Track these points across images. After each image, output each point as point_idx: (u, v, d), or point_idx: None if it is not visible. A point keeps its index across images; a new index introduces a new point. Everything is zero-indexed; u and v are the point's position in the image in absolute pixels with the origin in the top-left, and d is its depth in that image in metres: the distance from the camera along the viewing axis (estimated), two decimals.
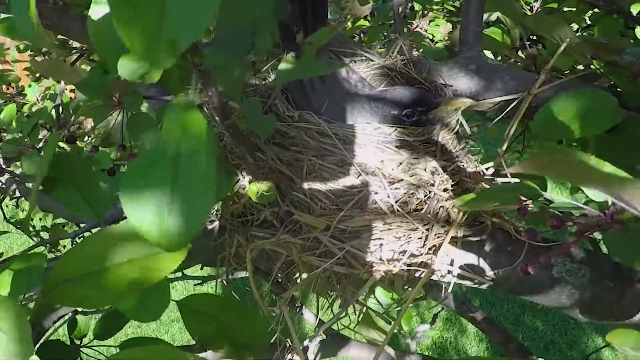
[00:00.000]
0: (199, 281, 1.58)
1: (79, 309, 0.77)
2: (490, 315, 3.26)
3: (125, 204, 0.44)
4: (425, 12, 1.77)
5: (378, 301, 0.99)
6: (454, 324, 3.37)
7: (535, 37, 1.35)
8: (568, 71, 1.01)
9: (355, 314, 0.95)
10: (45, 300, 0.51)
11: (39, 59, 2.33)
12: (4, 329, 0.39)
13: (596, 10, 1.51)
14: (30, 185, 1.71)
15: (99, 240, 0.51)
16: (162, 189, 0.45)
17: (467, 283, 0.81)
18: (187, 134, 0.48)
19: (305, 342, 0.81)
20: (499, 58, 1.50)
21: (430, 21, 1.69)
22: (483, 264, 0.80)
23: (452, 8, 1.78)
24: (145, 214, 0.44)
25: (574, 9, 1.58)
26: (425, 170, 0.79)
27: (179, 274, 1.46)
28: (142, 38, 0.39)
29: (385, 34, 1.03)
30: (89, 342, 0.73)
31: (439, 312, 1.09)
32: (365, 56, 0.96)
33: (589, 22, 1.60)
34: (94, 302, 0.49)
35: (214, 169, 0.47)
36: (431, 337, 3.23)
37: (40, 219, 2.48)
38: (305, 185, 0.79)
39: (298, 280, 0.90)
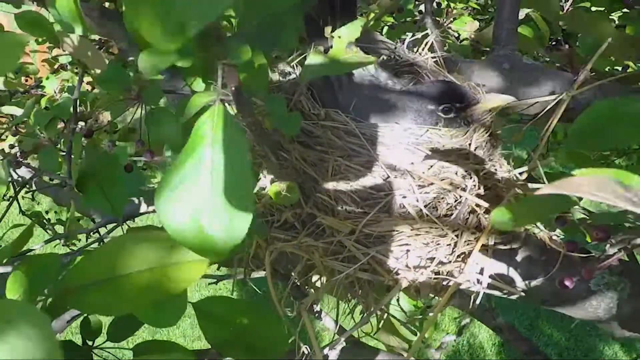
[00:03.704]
0: (214, 280, 1.56)
1: None
2: (505, 320, 3.19)
3: (160, 209, 0.41)
4: (450, 9, 1.73)
5: (402, 309, 0.96)
6: (469, 329, 3.32)
7: (560, 38, 1.30)
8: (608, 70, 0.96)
9: (377, 322, 0.91)
10: (58, 303, 0.48)
11: (56, 50, 2.33)
12: (31, 337, 0.36)
13: (626, 10, 1.46)
14: (46, 178, 1.69)
15: (118, 245, 0.48)
16: (199, 188, 0.42)
17: (497, 293, 0.78)
18: (217, 127, 0.45)
19: (326, 350, 0.77)
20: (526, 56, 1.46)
21: (454, 19, 1.65)
22: (514, 273, 0.76)
23: (476, 6, 1.74)
24: (181, 217, 0.41)
25: (602, 9, 1.53)
26: (456, 174, 0.75)
27: None
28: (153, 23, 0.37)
29: (409, 33, 1.00)
30: (101, 344, 0.70)
31: (467, 323, 1.05)
32: (394, 53, 0.93)
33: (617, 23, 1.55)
34: (109, 309, 0.46)
35: (249, 160, 0.44)
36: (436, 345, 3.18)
37: (55, 212, 2.46)
38: (330, 187, 0.75)
39: (318, 284, 0.87)
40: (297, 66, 0.91)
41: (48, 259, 0.52)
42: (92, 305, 0.46)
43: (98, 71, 0.86)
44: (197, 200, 0.41)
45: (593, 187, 0.36)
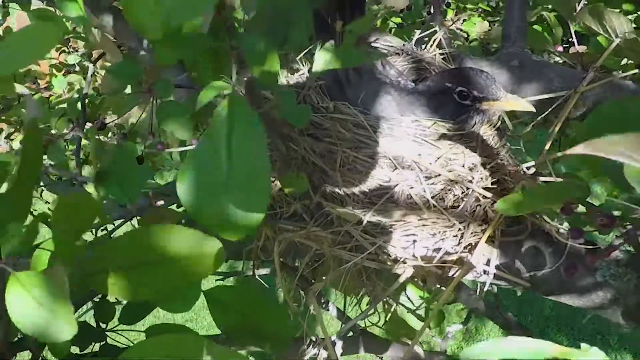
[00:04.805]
0: (221, 277, 1.57)
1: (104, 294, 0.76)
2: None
3: (181, 191, 0.43)
4: (460, 10, 1.74)
5: (409, 299, 0.96)
6: (474, 336, 3.31)
7: (572, 39, 1.31)
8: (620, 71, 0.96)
9: (384, 312, 0.92)
10: (82, 285, 0.50)
11: (62, 55, 2.37)
12: (47, 304, 0.38)
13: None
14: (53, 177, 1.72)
15: (141, 236, 0.51)
16: (217, 167, 0.43)
17: (503, 284, 0.78)
18: (235, 113, 0.47)
19: (333, 338, 0.78)
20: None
21: (464, 20, 1.66)
22: (521, 265, 0.77)
23: (487, 8, 1.75)
24: (201, 198, 0.43)
25: (617, 11, 1.52)
26: (463, 166, 0.76)
27: None
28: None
29: (417, 30, 1.01)
30: (115, 327, 0.72)
31: (472, 311, 1.05)
32: (402, 49, 0.94)
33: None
34: (130, 293, 0.48)
35: (265, 144, 0.46)
36: (450, 346, 3.16)
37: None
38: (338, 178, 0.77)
39: (326, 275, 0.88)
40: (306, 62, 0.92)
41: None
42: (115, 289, 0.48)
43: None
44: (216, 182, 0.43)
45: (631, 147, 0.33)
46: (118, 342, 0.69)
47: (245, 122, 0.47)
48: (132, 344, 0.68)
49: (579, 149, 0.35)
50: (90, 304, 0.73)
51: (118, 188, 0.86)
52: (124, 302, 0.71)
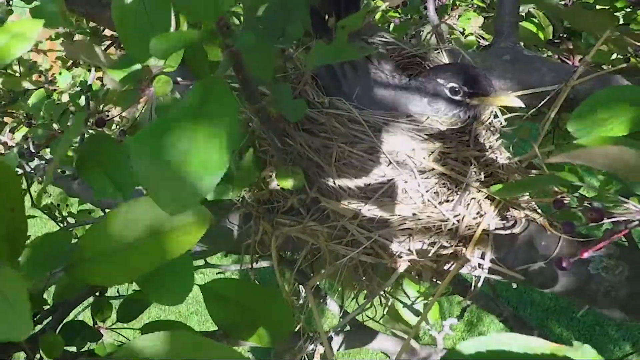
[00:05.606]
0: (221, 270, 1.58)
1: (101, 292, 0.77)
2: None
3: (135, 161, 0.43)
4: (455, 7, 1.75)
5: (406, 293, 0.97)
6: (476, 326, 3.32)
7: (566, 34, 1.31)
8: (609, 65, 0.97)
9: (381, 305, 0.93)
10: (68, 277, 0.50)
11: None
12: (10, 299, 0.39)
13: (629, 9, 1.46)
14: (59, 171, 1.72)
15: (121, 215, 0.50)
16: (177, 148, 0.43)
17: (498, 277, 0.79)
18: (209, 101, 0.47)
19: (330, 333, 0.79)
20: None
21: (459, 16, 1.66)
22: (515, 258, 0.78)
23: (481, 4, 1.75)
24: (156, 173, 0.43)
25: (607, 7, 1.53)
26: (457, 160, 0.77)
27: (201, 262, 1.46)
28: None
29: (414, 26, 1.02)
30: (111, 325, 0.72)
31: (468, 306, 1.06)
32: (397, 44, 0.95)
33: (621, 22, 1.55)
34: (118, 278, 0.49)
35: (235, 137, 0.46)
36: (451, 337, 3.17)
37: (67, 205, 2.48)
38: (334, 172, 0.77)
39: (323, 270, 0.89)
40: (302, 57, 0.93)
41: (57, 237, 0.54)
42: (103, 277, 0.48)
43: None
44: (178, 155, 0.43)
45: (604, 158, 0.36)
46: (115, 340, 0.69)
47: (219, 102, 0.47)
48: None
49: (561, 158, 0.37)
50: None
51: (107, 182, 0.86)
52: (121, 300, 0.72)
